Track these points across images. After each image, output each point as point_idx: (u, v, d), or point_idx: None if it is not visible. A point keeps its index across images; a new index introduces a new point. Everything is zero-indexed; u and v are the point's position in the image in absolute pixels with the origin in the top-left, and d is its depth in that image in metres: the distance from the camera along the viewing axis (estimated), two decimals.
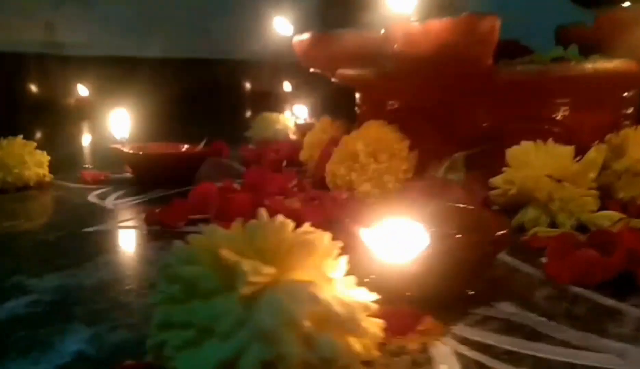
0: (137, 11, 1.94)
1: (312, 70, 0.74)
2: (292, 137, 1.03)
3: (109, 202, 0.57)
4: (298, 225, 0.48)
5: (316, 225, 0.47)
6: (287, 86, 2.55)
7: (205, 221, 0.49)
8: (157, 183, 0.63)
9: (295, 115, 1.06)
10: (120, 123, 0.67)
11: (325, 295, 0.23)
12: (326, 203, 0.51)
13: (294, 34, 0.71)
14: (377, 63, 0.67)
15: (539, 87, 0.52)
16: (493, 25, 0.49)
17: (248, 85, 2.57)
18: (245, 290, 0.22)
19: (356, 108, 0.71)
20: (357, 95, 0.71)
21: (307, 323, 0.22)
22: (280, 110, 1.09)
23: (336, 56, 0.67)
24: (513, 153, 0.50)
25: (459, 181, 0.51)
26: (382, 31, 0.53)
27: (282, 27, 0.68)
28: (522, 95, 0.54)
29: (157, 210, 0.49)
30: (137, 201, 0.57)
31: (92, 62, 1.81)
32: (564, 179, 0.47)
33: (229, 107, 2.19)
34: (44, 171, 0.64)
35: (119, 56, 1.93)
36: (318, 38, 0.67)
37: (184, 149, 0.67)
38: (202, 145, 0.67)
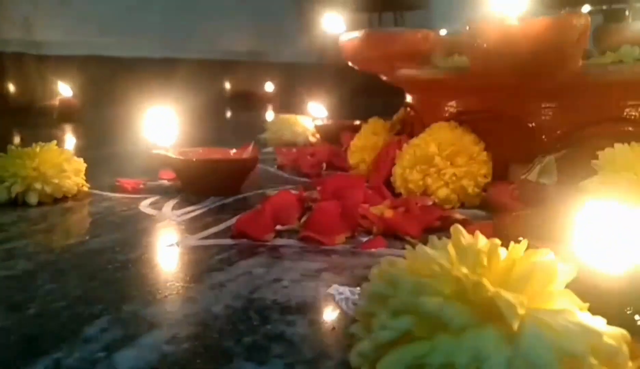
0: (119, 8, 1.86)
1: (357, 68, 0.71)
2: (312, 139, 1.00)
3: (168, 213, 0.52)
4: (395, 235, 0.44)
5: (415, 235, 0.44)
6: (269, 86, 2.51)
7: (293, 232, 0.45)
8: (206, 190, 0.59)
9: (313, 117, 1.02)
10: (162, 126, 0.62)
11: (592, 326, 0.20)
12: (414, 210, 0.48)
13: (342, 33, 0.67)
14: (433, 63, 0.64)
15: (626, 87, 0.51)
16: (587, 24, 0.47)
17: (229, 86, 2.53)
18: (516, 325, 0.19)
19: (408, 110, 0.68)
20: (410, 97, 0.68)
21: (592, 360, 0.19)
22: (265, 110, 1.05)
23: (391, 56, 0.64)
24: (607, 155, 0.48)
25: (552, 184, 0.49)
26: (467, 29, 0.50)
27: (332, 25, 0.64)
28: (604, 96, 0.52)
29: (239, 222, 0.45)
30: (198, 211, 0.53)
31: (73, 61, 1.73)
32: None
33: (215, 108, 2.13)
34: (82, 180, 0.58)
35: (102, 56, 1.85)
36: (372, 36, 0.64)
37: (233, 154, 0.63)
38: (250, 149, 0.63)
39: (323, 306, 0.32)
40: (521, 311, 0.20)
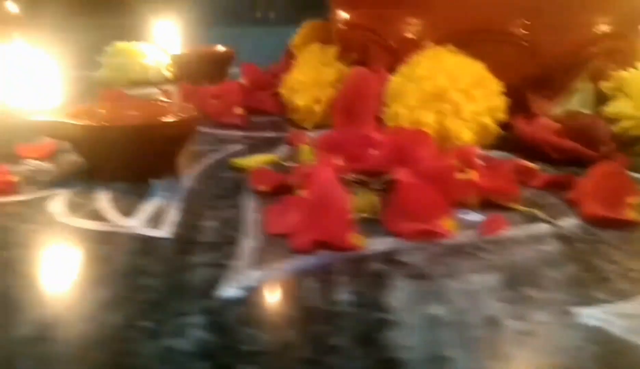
0: None
1: None
2: (167, 74, 0.78)
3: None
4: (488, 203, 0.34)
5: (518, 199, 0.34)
6: (11, 6, 1.97)
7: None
8: (135, 172, 0.38)
9: (162, 45, 0.79)
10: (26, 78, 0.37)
11: None
12: (496, 167, 0.37)
13: None
14: None
15: None
16: None
17: None
18: None
19: (352, 30, 0.54)
20: (350, 14, 0.54)
21: None
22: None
23: None
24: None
25: (593, 115, 0.43)
26: None
27: None
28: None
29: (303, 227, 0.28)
30: (208, 222, 0.33)
31: None
32: None
33: None
34: None
35: None
36: None
37: (162, 109, 0.41)
38: (176, 99, 0.43)
39: None
40: None
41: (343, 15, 0.57)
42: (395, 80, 0.46)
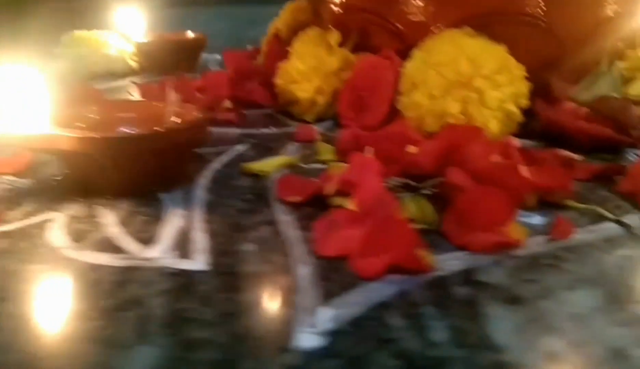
0: None
1: None
2: (132, 64, 0.71)
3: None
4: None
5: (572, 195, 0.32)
6: None
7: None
8: (141, 183, 0.33)
9: (126, 32, 0.71)
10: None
11: None
12: (540, 161, 0.34)
13: None
14: None
15: None
16: None
17: None
18: None
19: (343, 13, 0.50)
20: None
21: None
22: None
23: None
24: None
25: (622, 98, 0.41)
26: None
27: None
28: None
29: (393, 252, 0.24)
30: None
31: None
32: None
33: None
34: None
35: None
36: None
37: (168, 112, 0.36)
38: (174, 96, 0.37)
39: None
40: None
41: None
42: (411, 67, 0.43)
